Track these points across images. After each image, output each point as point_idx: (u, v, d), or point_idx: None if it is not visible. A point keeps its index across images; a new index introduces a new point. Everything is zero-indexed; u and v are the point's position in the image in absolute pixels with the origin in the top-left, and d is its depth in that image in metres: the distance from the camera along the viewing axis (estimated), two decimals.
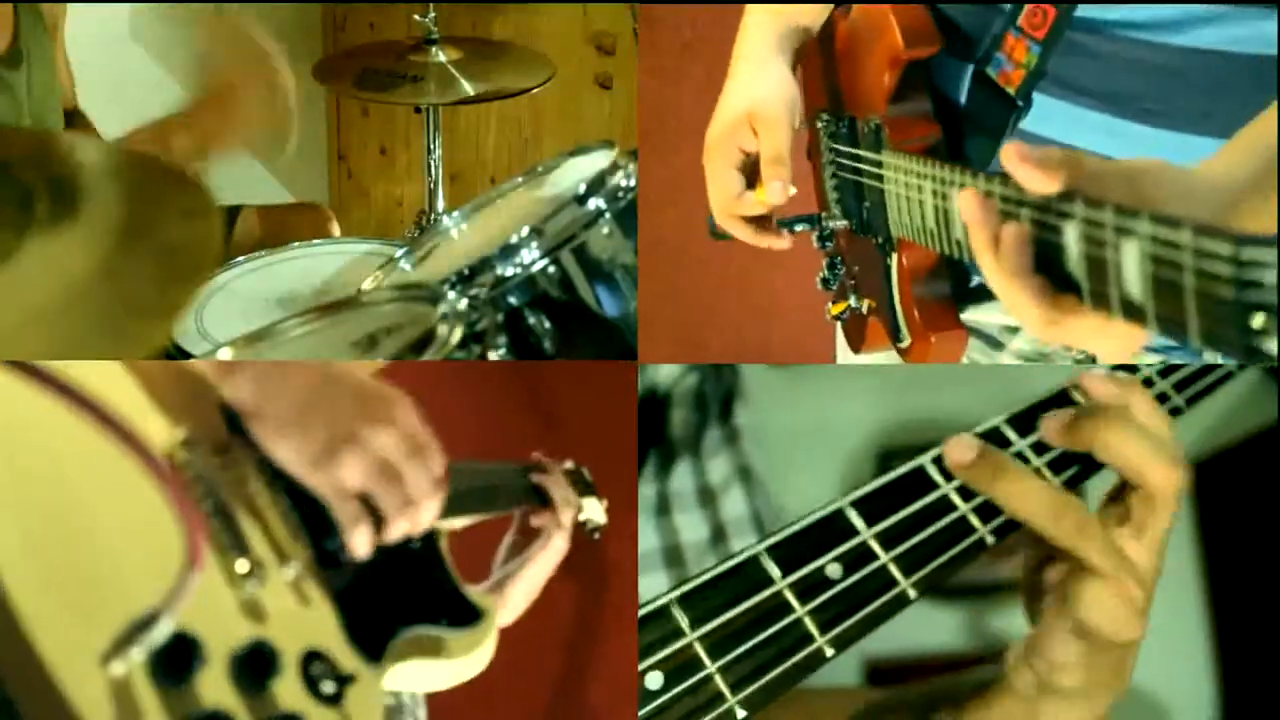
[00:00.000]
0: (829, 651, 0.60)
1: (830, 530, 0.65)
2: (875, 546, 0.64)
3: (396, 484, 0.78)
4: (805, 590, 0.62)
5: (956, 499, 0.67)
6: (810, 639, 0.61)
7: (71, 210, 0.73)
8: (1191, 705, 1.51)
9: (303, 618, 0.75)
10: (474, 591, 0.94)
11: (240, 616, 0.69)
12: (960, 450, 0.67)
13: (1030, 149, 0.65)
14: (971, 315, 1.04)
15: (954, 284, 1.03)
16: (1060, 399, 0.73)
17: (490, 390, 1.52)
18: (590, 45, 2.48)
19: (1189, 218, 0.54)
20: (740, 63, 1.07)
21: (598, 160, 1.33)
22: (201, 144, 1.42)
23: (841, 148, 1.06)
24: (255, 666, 0.67)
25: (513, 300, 1.14)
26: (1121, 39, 0.87)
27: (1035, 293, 0.66)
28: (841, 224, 1.08)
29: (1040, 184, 0.64)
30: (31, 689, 0.55)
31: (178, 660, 0.62)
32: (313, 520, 0.78)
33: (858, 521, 0.65)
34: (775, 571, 0.62)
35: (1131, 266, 0.58)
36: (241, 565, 0.71)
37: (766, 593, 0.62)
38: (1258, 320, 0.51)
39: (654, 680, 0.58)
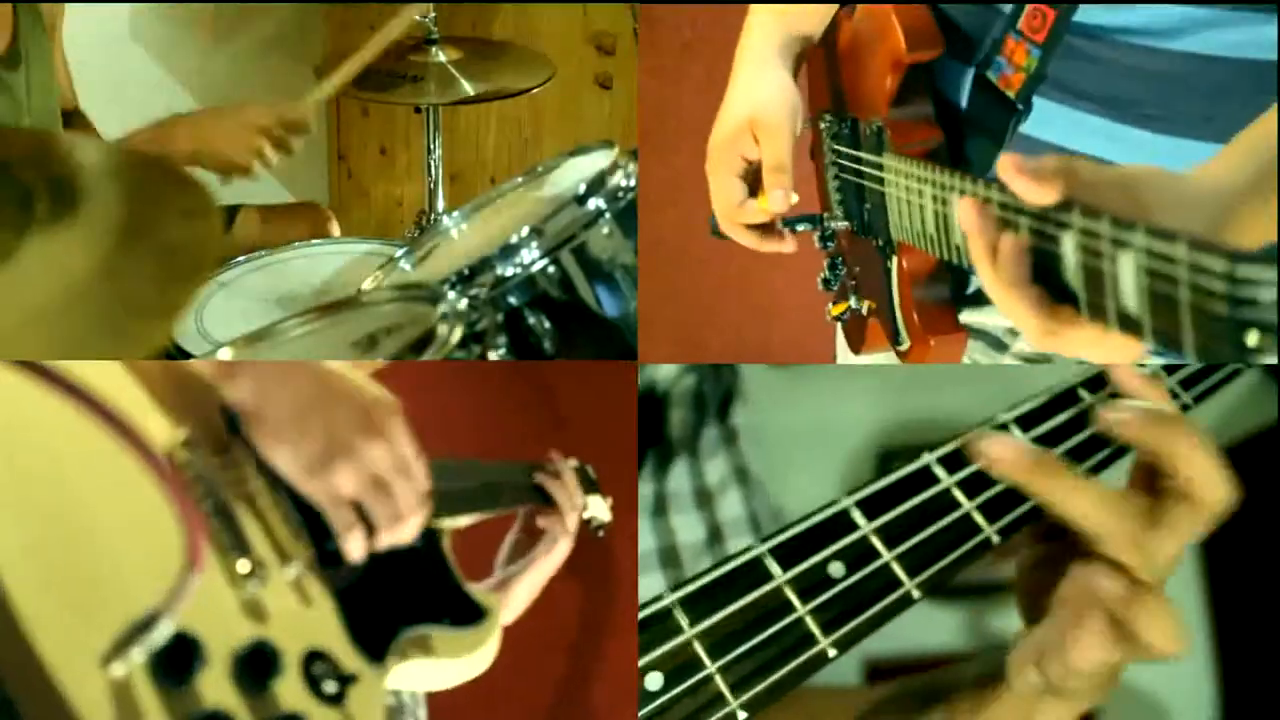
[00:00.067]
0: (831, 652, 0.60)
1: (834, 530, 0.64)
2: (879, 546, 0.64)
3: (387, 497, 0.78)
4: (807, 590, 0.62)
5: (961, 498, 0.67)
6: (813, 639, 0.60)
7: (71, 210, 0.73)
8: (1191, 705, 1.52)
9: (304, 617, 0.75)
10: (477, 590, 0.94)
11: (241, 616, 0.69)
12: (1001, 447, 0.66)
13: (1026, 160, 0.65)
14: (975, 317, 1.04)
15: (955, 286, 1.03)
16: (1068, 397, 0.73)
17: (490, 390, 1.52)
18: (590, 45, 2.48)
19: (1185, 231, 0.54)
20: (742, 69, 1.07)
21: (598, 160, 1.32)
22: (202, 149, 1.43)
23: (843, 149, 1.06)
24: (256, 666, 0.67)
25: (513, 300, 1.14)
26: (1122, 45, 0.87)
27: (1033, 303, 0.66)
28: (843, 225, 1.08)
29: (1036, 195, 0.64)
30: (31, 689, 0.55)
31: (178, 661, 0.62)
32: (314, 520, 0.78)
33: (862, 521, 0.65)
34: (777, 571, 0.62)
35: (1128, 279, 0.58)
36: (243, 565, 0.71)
37: (767, 590, 0.61)
38: (1252, 338, 0.51)
39: (654, 681, 0.58)
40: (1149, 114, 0.89)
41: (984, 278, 0.69)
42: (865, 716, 0.79)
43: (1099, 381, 0.74)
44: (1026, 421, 0.71)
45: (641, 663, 0.58)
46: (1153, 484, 0.66)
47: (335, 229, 1.91)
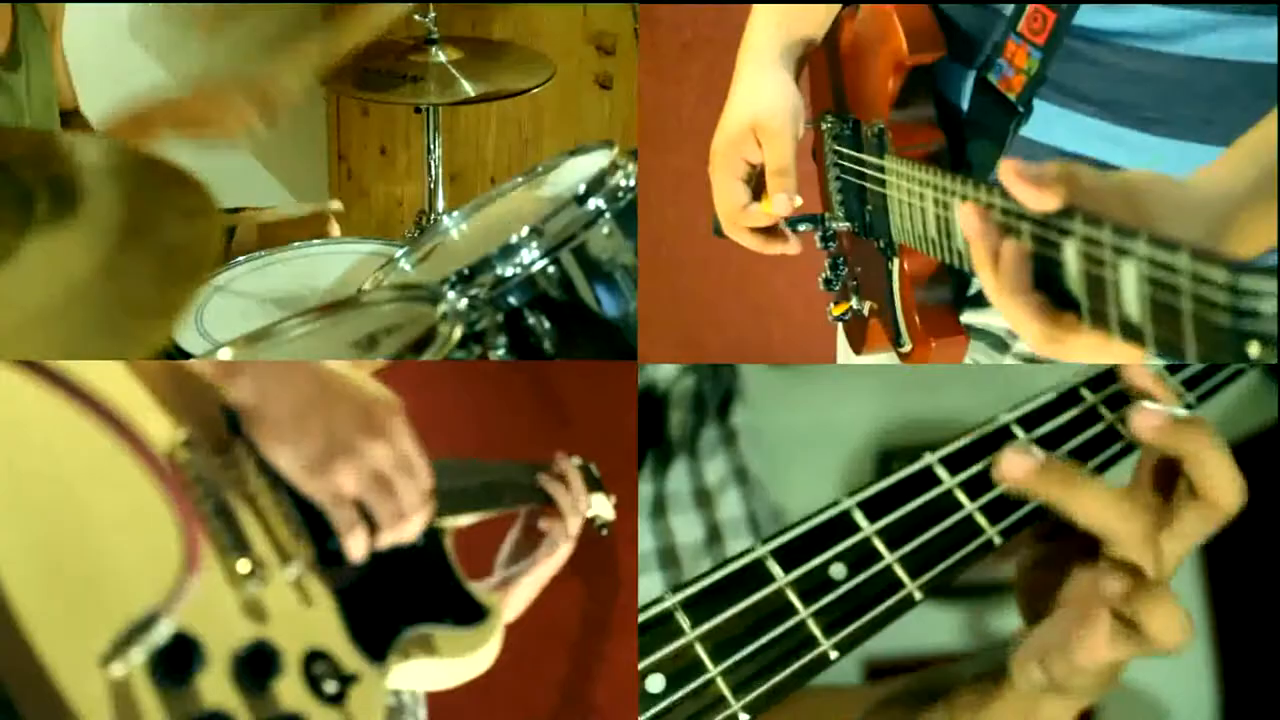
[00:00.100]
0: (833, 654, 0.60)
1: (835, 531, 0.64)
2: (881, 548, 0.64)
3: (390, 495, 0.78)
4: (809, 592, 0.62)
5: (964, 499, 0.67)
6: (814, 642, 0.60)
7: (71, 210, 0.73)
8: (1191, 705, 1.51)
9: (305, 617, 0.74)
10: (479, 589, 0.94)
11: (241, 616, 0.69)
12: (1010, 466, 0.65)
13: (1027, 166, 0.64)
14: (977, 317, 1.04)
15: (957, 288, 1.02)
16: (1071, 397, 0.73)
17: (490, 390, 1.52)
18: (590, 45, 2.48)
19: (1187, 240, 0.54)
20: (744, 71, 1.07)
21: (598, 160, 1.32)
22: (183, 131, 1.42)
23: (845, 150, 1.06)
24: (257, 667, 0.67)
25: (513, 300, 1.14)
26: (1122, 48, 0.87)
27: (1035, 309, 0.66)
28: (844, 225, 1.08)
29: (1037, 201, 0.64)
30: (31, 689, 0.55)
31: (178, 661, 0.62)
32: (315, 520, 0.78)
33: (863, 522, 0.65)
34: (779, 573, 0.62)
35: (1130, 288, 0.58)
36: (243, 565, 0.71)
37: (769, 592, 0.61)
38: (1254, 349, 0.51)
39: (655, 683, 0.58)
40: (1149, 117, 0.89)
41: (986, 283, 0.69)
42: (867, 716, 0.79)
43: (1101, 381, 0.74)
44: (1028, 421, 0.71)
45: (643, 665, 0.58)
46: (1161, 483, 0.66)
47: (335, 229, 1.91)
